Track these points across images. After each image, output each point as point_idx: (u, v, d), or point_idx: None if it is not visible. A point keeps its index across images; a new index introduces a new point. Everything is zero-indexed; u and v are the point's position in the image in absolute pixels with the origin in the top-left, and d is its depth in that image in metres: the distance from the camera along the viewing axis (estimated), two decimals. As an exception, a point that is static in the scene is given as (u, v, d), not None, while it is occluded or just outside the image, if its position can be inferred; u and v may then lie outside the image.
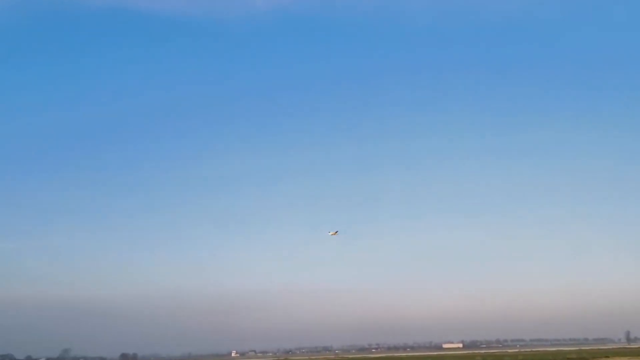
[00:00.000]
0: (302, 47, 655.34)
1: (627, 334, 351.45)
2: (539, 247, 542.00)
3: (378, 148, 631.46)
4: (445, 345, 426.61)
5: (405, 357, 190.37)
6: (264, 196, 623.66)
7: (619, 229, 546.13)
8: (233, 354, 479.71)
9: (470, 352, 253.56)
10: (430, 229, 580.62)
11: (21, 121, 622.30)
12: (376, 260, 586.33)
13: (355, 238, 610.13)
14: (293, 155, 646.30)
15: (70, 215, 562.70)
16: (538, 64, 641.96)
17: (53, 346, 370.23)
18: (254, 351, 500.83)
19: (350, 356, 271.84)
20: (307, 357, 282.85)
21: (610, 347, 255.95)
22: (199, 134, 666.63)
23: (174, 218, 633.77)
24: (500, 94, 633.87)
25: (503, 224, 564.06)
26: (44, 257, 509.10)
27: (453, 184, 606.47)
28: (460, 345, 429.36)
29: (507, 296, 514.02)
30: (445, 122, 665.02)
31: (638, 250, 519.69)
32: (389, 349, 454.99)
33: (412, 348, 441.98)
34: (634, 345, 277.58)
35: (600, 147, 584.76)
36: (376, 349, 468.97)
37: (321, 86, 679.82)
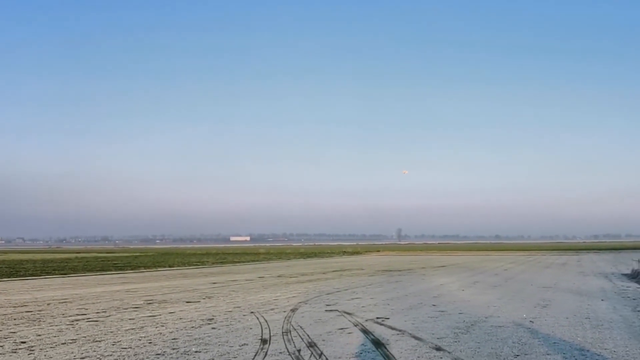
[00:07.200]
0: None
1: (399, 231, 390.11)
2: (324, 151, 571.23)
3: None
4: (233, 238, 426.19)
5: (190, 248, 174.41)
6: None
7: (399, 137, 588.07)
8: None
9: (256, 245, 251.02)
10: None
11: None
12: (163, 152, 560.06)
13: (146, 128, 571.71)
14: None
15: None
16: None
17: None
18: (22, 238, 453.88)
19: (132, 246, 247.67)
20: (82, 247, 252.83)
21: (384, 242, 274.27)
22: None
23: None
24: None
25: (305, 121, 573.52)
26: None
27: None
28: (248, 238, 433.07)
29: (293, 193, 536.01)
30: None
31: (415, 156, 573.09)
32: (174, 240, 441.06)
33: (200, 240, 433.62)
34: (403, 242, 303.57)
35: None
36: (161, 240, 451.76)
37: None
